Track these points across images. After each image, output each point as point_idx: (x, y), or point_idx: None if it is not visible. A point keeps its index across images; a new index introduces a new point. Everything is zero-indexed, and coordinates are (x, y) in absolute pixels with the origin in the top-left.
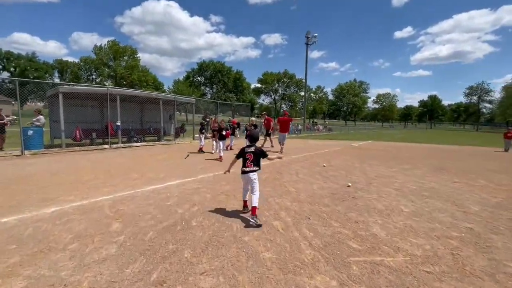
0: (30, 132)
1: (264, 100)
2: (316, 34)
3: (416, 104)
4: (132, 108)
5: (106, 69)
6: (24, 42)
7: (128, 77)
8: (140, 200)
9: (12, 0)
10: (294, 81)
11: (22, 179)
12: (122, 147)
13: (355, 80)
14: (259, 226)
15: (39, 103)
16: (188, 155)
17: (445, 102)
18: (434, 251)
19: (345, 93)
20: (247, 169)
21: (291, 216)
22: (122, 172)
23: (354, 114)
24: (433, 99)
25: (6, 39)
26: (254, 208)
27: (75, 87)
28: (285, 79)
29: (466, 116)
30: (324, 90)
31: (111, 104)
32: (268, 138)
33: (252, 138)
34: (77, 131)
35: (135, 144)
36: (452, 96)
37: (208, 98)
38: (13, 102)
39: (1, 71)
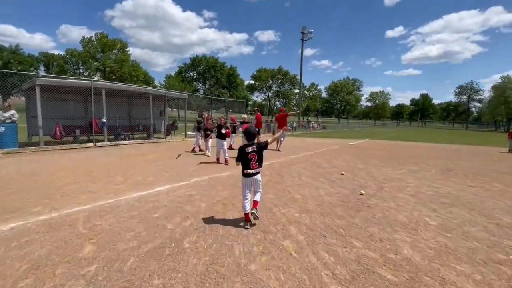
0: (2, 129)
1: (258, 97)
2: (312, 30)
3: (406, 103)
4: (120, 103)
5: (94, 63)
6: (9, 34)
7: (117, 71)
8: (122, 211)
9: None
10: (288, 78)
11: None
12: (108, 146)
13: (348, 78)
14: (257, 218)
15: (23, 98)
16: (180, 155)
17: (435, 101)
18: (488, 284)
19: (339, 90)
20: (253, 171)
21: (303, 233)
22: (106, 174)
23: (347, 112)
24: (425, 98)
25: None
26: (256, 202)
27: (54, 79)
28: (279, 76)
29: (455, 115)
30: (318, 87)
31: (96, 98)
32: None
33: (250, 135)
34: (57, 128)
35: (123, 142)
36: (440, 95)
37: (201, 94)
38: None
39: None
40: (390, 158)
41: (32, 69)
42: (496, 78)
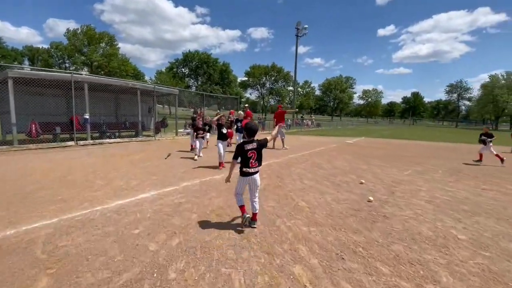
0: None
1: (251, 94)
2: (306, 26)
3: (397, 101)
4: (105, 99)
5: (81, 57)
6: None
7: (106, 66)
8: (96, 225)
9: None
10: (282, 75)
11: None
12: (92, 144)
13: (341, 75)
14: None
15: None
16: (169, 155)
17: (425, 100)
18: None
19: (332, 88)
20: (252, 169)
21: (315, 254)
22: (83, 178)
23: (340, 109)
24: (416, 96)
25: None
26: (255, 215)
27: (28, 71)
28: (273, 73)
29: (445, 113)
30: (312, 85)
31: (78, 93)
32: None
33: (252, 131)
34: (33, 125)
35: (108, 140)
36: (430, 93)
37: (193, 91)
38: None
39: None
40: (391, 158)
41: (15, 63)
42: (483, 77)
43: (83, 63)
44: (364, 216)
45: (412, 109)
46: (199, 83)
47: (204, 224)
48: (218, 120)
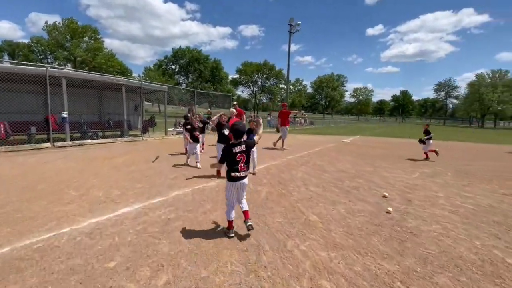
0: None
1: (243, 91)
2: (299, 22)
3: (385, 99)
4: (87, 96)
5: (64, 52)
6: None
7: (90, 62)
8: (58, 258)
9: None
10: (274, 72)
11: None
12: (71, 146)
13: (333, 73)
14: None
15: None
16: (157, 158)
17: (413, 98)
18: None
19: (324, 86)
20: (242, 174)
21: None
22: (55, 187)
23: (331, 107)
24: (404, 94)
25: None
26: (247, 213)
27: None
28: (265, 70)
29: (432, 111)
30: (303, 83)
31: (56, 90)
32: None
33: (239, 132)
34: (1, 125)
35: (89, 141)
36: (416, 92)
37: (183, 88)
38: None
39: None
40: (394, 159)
41: None
42: (467, 76)
43: (66, 58)
44: (388, 233)
45: (402, 107)
46: (190, 80)
47: (200, 251)
48: (218, 119)
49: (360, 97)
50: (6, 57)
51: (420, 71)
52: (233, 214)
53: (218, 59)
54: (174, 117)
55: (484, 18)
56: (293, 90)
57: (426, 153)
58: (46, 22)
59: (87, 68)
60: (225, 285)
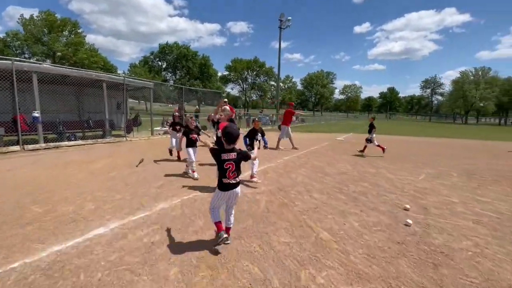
0: None
1: (233, 89)
2: (290, 18)
3: (372, 96)
4: (63, 93)
5: (41, 46)
6: None
7: (71, 57)
8: None
9: None
10: (264, 70)
11: None
12: (45, 149)
13: (322, 70)
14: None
15: None
16: (141, 161)
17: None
18: None
19: (314, 83)
20: (232, 181)
21: None
22: (14, 202)
23: (321, 104)
24: (392, 91)
25: None
26: (228, 230)
27: None
28: (255, 67)
29: (418, 107)
30: (293, 80)
31: (26, 86)
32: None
33: (232, 137)
34: None
35: (66, 143)
36: (401, 89)
37: (171, 84)
38: None
39: None
40: (393, 158)
41: None
42: (450, 74)
43: (44, 53)
44: (417, 254)
45: (389, 104)
46: (177, 77)
47: None
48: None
49: (350, 94)
50: None
51: (405, 69)
52: (219, 215)
53: (207, 56)
54: (161, 115)
55: (466, 17)
56: (283, 87)
57: (380, 146)
58: (21, 15)
59: (67, 64)
60: None
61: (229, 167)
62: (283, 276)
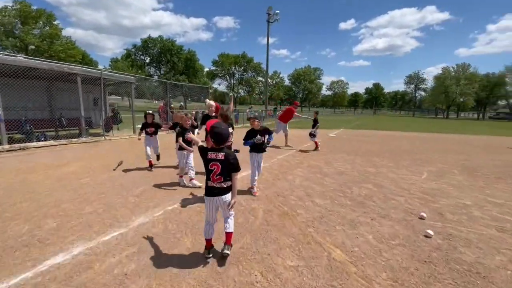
0: None
1: (220, 84)
2: (278, 11)
3: (358, 91)
4: (32, 88)
5: (13, 39)
6: None
7: (46, 50)
8: None
9: None
10: (252, 65)
11: None
12: (8, 151)
13: (309, 66)
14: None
15: None
16: (119, 164)
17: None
18: None
19: (302, 79)
20: (216, 185)
21: None
22: None
23: (309, 100)
24: (377, 86)
25: None
26: (230, 235)
27: None
28: (242, 62)
29: (402, 103)
30: (281, 75)
31: None
32: None
33: (220, 138)
34: None
35: (34, 144)
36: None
37: (155, 79)
38: None
39: None
40: (390, 155)
41: None
42: (430, 70)
43: (15, 46)
44: (450, 277)
45: (375, 99)
46: (162, 72)
47: None
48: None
49: (337, 90)
50: None
51: (389, 65)
52: (212, 232)
53: (193, 51)
54: (150, 110)
55: (445, 15)
56: (271, 83)
57: (316, 142)
58: None
59: (42, 57)
60: None
61: (214, 168)
62: None
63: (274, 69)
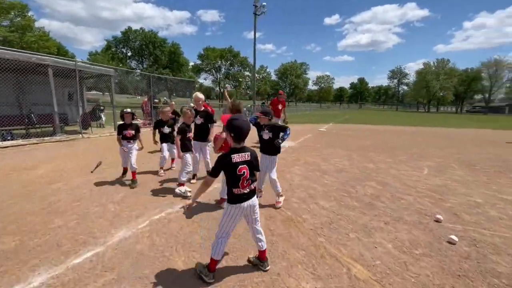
0: None
1: (206, 79)
2: (265, 4)
3: (344, 86)
4: None
5: None
6: None
7: (17, 42)
8: None
9: None
10: (238, 59)
11: None
12: None
13: (296, 61)
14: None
15: None
16: (98, 165)
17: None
18: None
19: (288, 73)
20: (246, 190)
21: None
22: None
23: (295, 95)
24: (362, 81)
25: None
26: (263, 253)
27: None
28: (229, 56)
29: (386, 97)
30: (267, 70)
31: None
32: None
33: (242, 133)
34: None
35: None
36: (370, 80)
37: (138, 71)
38: None
39: None
40: (387, 150)
41: None
42: (410, 66)
43: None
44: None
45: (359, 94)
46: (145, 66)
47: None
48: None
49: (323, 85)
50: None
51: (372, 60)
52: (222, 251)
53: (177, 43)
54: (128, 108)
55: (425, 12)
56: (258, 77)
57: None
58: None
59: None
60: None
61: (244, 172)
62: None
63: (260, 64)
